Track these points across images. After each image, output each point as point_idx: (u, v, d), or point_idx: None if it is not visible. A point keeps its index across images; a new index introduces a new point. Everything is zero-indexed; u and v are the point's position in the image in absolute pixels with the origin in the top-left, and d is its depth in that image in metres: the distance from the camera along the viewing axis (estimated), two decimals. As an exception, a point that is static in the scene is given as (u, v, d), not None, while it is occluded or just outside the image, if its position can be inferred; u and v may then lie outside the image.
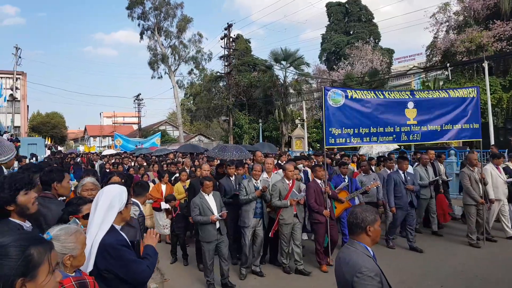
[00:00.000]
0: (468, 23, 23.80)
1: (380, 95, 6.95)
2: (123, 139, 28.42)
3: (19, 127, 40.58)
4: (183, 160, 12.16)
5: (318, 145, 29.16)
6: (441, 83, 22.02)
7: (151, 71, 40.36)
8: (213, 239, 5.63)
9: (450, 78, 21.69)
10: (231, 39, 30.70)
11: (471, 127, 7.49)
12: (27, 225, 2.48)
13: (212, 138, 44.07)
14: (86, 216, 2.69)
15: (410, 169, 8.24)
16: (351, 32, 39.12)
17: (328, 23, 41.64)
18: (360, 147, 13.62)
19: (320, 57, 41.40)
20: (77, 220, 2.63)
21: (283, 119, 26.77)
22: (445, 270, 6.19)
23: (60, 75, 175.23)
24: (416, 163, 9.15)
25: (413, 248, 7.21)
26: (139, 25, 39.06)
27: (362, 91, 6.91)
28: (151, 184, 8.61)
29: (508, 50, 20.81)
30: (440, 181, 8.74)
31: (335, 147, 9.25)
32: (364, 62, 28.62)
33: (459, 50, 22.25)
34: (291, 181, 6.43)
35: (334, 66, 32.98)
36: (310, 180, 8.06)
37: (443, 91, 7.63)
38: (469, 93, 7.53)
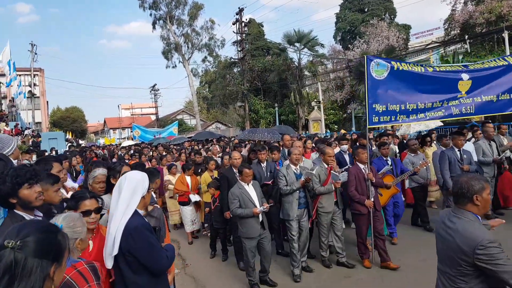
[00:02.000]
0: (488, -8, 22.80)
1: (429, 68, 6.05)
2: (141, 130, 28.74)
3: (40, 123, 41.69)
4: (211, 147, 11.26)
5: (336, 126, 28.86)
6: (460, 57, 21.30)
7: (165, 61, 40.69)
8: (256, 234, 5.07)
9: (469, 51, 20.96)
10: (243, 24, 30.42)
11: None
12: (31, 216, 2.44)
13: (229, 124, 44.19)
14: (85, 213, 2.65)
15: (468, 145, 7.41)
16: (366, 10, 38.15)
17: (342, 1, 40.70)
18: (400, 125, 12.53)
19: (335, 37, 40.68)
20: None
21: (299, 102, 26.52)
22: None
23: (77, 69, 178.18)
24: (474, 139, 8.14)
25: None
26: (150, 15, 39.26)
27: (408, 64, 6.07)
28: (170, 177, 8.28)
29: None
30: (504, 157, 7.71)
31: (379, 126, 8.03)
32: (380, 39, 27.89)
33: (478, 22, 21.40)
34: (329, 165, 5.83)
35: (349, 46, 32.30)
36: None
37: (501, 59, 6.56)
38: None
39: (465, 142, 7.53)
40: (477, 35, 21.40)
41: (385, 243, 5.62)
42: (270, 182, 6.22)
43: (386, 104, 5.68)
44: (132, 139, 31.29)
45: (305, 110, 27.43)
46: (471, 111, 6.16)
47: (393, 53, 23.53)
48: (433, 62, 28.56)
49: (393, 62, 5.85)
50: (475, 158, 7.16)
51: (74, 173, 9.17)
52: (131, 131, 33.79)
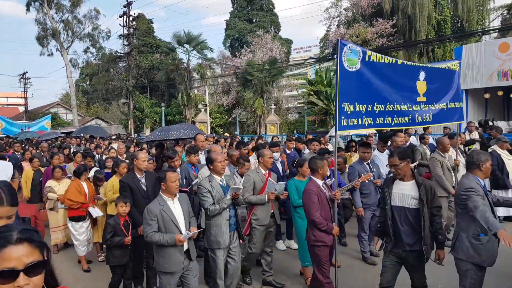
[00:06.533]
0: (356, 19, 26.34)
1: (392, 61, 4.94)
2: (6, 122, 25.59)
3: None
4: (115, 145, 9.43)
5: (221, 130, 29.69)
6: (331, 73, 24.06)
7: (40, 47, 36.80)
8: (178, 268, 3.70)
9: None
10: (131, 18, 29.30)
11: (458, 106, 6.03)
12: None
13: (111, 122, 41.85)
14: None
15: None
16: (254, 20, 40.17)
17: (232, 9, 42.16)
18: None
19: (225, 43, 41.81)
20: None
21: (187, 103, 26.64)
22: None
23: None
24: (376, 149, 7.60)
25: (365, 259, 5.75)
26: (24, -6, 35.03)
27: (377, 54, 4.71)
28: (53, 182, 6.65)
29: (386, 45, 23.71)
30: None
31: (349, 131, 6.44)
32: (264, 50, 29.70)
33: (347, 44, 24.55)
34: (267, 171, 4.98)
35: (237, 53, 33.67)
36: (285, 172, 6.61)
37: (443, 63, 6.17)
38: (455, 66, 5.97)
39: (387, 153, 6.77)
40: (345, 56, 24.54)
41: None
42: (187, 189, 5.22)
43: (354, 103, 4.46)
44: (-6, 132, 27.63)
45: (192, 112, 27.66)
46: (430, 120, 5.58)
47: (275, 64, 25.35)
48: (310, 76, 31.56)
49: (367, 50, 4.70)
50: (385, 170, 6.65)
51: None
52: (-8, 123, 29.74)
